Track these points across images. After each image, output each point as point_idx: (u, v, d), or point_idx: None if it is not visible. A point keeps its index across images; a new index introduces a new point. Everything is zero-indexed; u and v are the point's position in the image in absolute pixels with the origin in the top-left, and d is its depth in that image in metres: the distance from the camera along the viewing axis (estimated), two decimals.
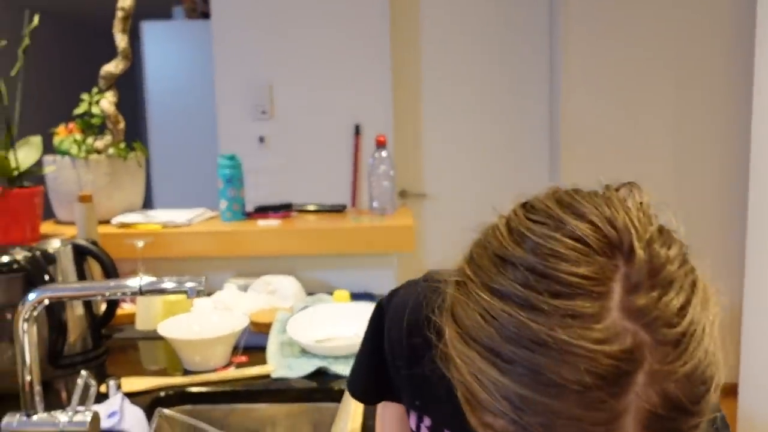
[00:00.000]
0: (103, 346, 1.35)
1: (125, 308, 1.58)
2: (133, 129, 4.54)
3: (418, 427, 0.72)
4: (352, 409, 1.07)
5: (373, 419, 0.90)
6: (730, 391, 2.32)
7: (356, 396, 0.85)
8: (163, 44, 3.92)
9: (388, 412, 0.84)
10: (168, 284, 0.89)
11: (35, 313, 0.90)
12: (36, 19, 1.60)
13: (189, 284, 0.89)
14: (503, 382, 0.42)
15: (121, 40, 1.79)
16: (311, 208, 1.91)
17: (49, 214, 1.81)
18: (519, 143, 3.39)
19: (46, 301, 0.89)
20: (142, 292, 0.89)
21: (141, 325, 1.49)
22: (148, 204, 3.87)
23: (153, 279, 0.90)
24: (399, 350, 0.71)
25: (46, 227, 1.76)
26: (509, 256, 0.45)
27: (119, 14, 1.78)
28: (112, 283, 0.94)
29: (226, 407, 1.21)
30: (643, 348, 0.41)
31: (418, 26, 3.30)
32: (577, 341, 0.40)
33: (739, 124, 3.01)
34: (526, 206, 0.50)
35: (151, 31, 3.90)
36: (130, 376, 1.20)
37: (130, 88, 4.31)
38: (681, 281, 0.44)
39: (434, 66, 3.32)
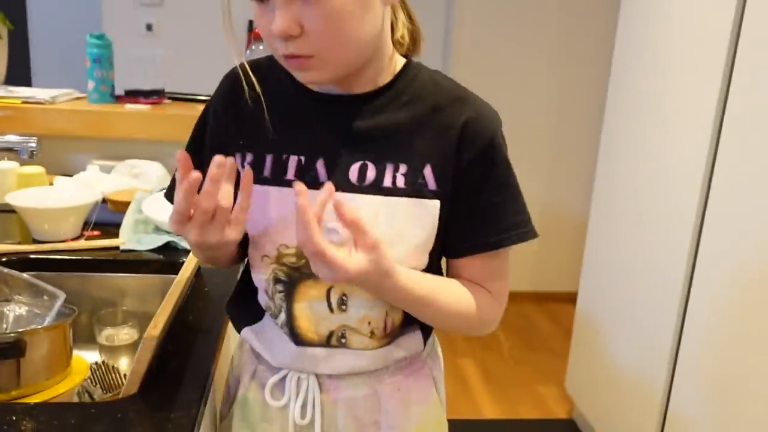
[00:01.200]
0: None
1: None
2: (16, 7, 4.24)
3: (243, 165, 0.80)
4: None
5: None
6: (571, 299, 2.57)
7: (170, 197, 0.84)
8: None
9: None
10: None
11: None
12: None
13: (21, 141, 0.91)
14: None
15: None
16: (183, 97, 1.90)
17: None
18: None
19: None
20: None
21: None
22: (26, 81, 3.68)
23: None
24: (221, 107, 0.83)
25: None
26: None
27: None
28: None
29: (76, 276, 1.25)
30: None
31: None
32: None
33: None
34: None
35: None
36: None
37: None
38: None
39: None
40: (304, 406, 0.81)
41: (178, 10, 3.05)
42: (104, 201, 1.50)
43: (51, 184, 1.52)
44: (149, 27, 3.04)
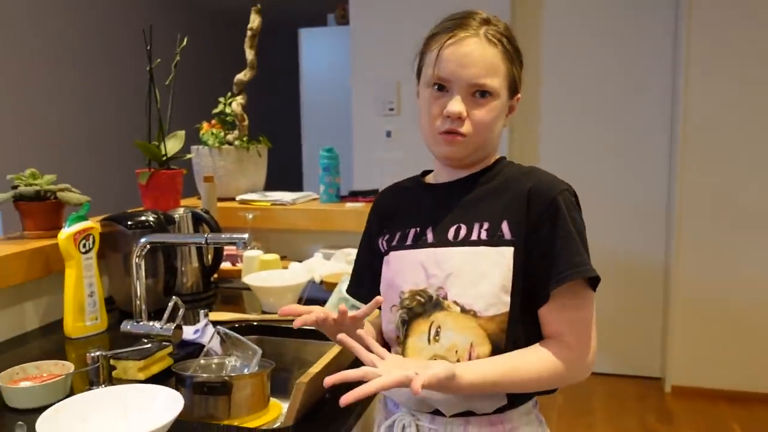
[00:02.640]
0: (212, 289, 1.80)
1: (237, 266, 2.03)
2: (291, 121, 5.16)
3: (382, 245, 1.11)
4: None
5: None
6: None
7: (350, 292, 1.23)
8: (318, 48, 4.45)
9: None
10: (224, 238, 1.28)
11: (143, 254, 1.33)
12: (185, 40, 2.09)
13: (238, 237, 1.27)
14: None
15: (249, 54, 2.24)
16: None
17: (195, 191, 2.32)
18: (637, 144, 3.46)
19: (148, 246, 1.32)
20: (207, 243, 1.29)
21: (244, 278, 1.92)
22: (298, 185, 4.42)
23: (216, 234, 1.30)
24: (376, 215, 1.16)
25: (189, 201, 2.27)
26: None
27: (249, 33, 2.23)
28: (189, 237, 1.35)
29: (289, 341, 1.59)
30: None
31: (539, 27, 3.47)
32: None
33: None
34: None
35: (308, 36, 4.44)
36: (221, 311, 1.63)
37: (292, 85, 4.92)
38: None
39: (554, 69, 3.49)
40: None
41: (412, 119, 3.50)
42: (322, 282, 1.87)
43: (286, 267, 1.93)
44: (389, 134, 3.53)
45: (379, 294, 1.07)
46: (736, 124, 3.21)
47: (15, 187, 1.58)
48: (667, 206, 3.46)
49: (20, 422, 1.00)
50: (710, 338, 3.37)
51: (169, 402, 1.02)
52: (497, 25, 1.02)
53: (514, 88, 1.04)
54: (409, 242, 1.05)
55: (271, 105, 6.43)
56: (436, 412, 1.00)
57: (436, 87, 1.00)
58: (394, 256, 1.07)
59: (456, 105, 0.97)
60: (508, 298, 0.96)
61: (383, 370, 0.84)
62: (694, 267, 3.34)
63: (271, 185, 2.47)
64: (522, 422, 1.01)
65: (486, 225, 0.99)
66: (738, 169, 3.23)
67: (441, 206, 1.05)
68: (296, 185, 4.16)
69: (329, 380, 0.84)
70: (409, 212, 1.09)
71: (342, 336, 0.92)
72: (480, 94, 0.98)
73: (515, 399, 0.99)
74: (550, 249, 0.96)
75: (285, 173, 4.13)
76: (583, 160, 3.51)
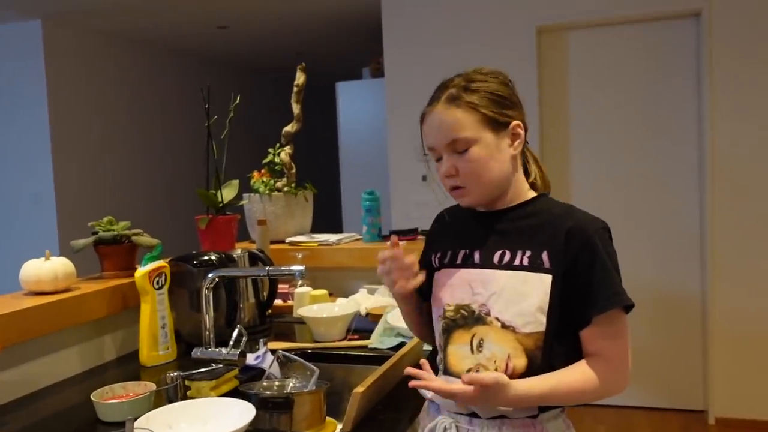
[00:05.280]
0: (267, 323, 1.95)
1: (288, 302, 2.18)
2: (330, 168, 5.39)
3: (434, 261, 1.24)
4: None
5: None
6: None
7: None
8: (354, 100, 4.69)
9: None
10: (283, 270, 1.44)
11: (212, 286, 1.50)
12: (238, 98, 2.31)
13: (296, 269, 1.43)
14: None
15: (295, 108, 2.44)
16: None
17: (246, 235, 2.51)
18: (668, 184, 3.56)
19: (216, 279, 1.49)
20: (269, 275, 1.45)
21: (296, 312, 2.08)
22: (339, 227, 4.60)
23: (276, 267, 1.46)
24: (433, 231, 1.34)
25: (242, 244, 2.45)
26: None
27: (295, 89, 2.44)
28: (251, 271, 1.51)
29: (339, 366, 1.73)
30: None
31: (566, 74, 3.64)
32: None
33: None
34: None
35: (345, 89, 4.69)
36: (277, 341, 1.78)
37: (331, 134, 5.16)
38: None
39: (582, 115, 3.64)
40: None
41: None
42: (367, 314, 2.01)
43: (333, 301, 2.08)
44: (424, 177, 3.70)
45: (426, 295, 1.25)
46: (762, 155, 3.30)
47: (95, 233, 1.78)
48: (701, 239, 3.53)
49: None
50: (752, 368, 3.38)
51: (243, 411, 1.16)
52: (459, 83, 1.16)
53: (496, 123, 1.14)
54: (459, 261, 1.20)
55: (312, 153, 6.71)
56: (473, 415, 1.13)
57: (432, 156, 1.19)
58: (444, 273, 1.21)
59: (442, 168, 1.15)
60: (544, 319, 1.09)
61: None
62: (729, 297, 3.39)
63: (315, 228, 2.64)
64: (551, 425, 1.13)
65: (528, 253, 1.12)
66: (766, 198, 3.31)
67: (488, 232, 1.19)
68: (337, 228, 4.35)
69: (410, 370, 1.10)
70: (461, 234, 1.23)
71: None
72: (458, 148, 1.13)
73: (546, 407, 1.12)
74: (590, 281, 1.08)
75: (325, 217, 4.33)
76: (618, 198, 3.63)
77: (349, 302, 2.05)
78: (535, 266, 1.11)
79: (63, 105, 4.35)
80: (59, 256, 1.66)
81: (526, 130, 1.19)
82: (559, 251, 1.10)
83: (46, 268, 1.59)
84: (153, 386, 1.35)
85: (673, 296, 3.59)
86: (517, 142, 1.17)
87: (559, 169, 3.69)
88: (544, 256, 1.11)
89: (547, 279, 1.10)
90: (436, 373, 1.18)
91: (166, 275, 1.68)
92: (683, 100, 3.50)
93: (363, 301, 2.08)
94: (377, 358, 1.67)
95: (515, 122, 1.17)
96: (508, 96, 1.17)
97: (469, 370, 1.12)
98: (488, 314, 1.12)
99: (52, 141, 4.29)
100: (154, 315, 1.64)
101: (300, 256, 2.21)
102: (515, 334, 1.10)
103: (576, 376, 1.08)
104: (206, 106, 2.09)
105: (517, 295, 1.10)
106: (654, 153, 3.57)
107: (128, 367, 1.67)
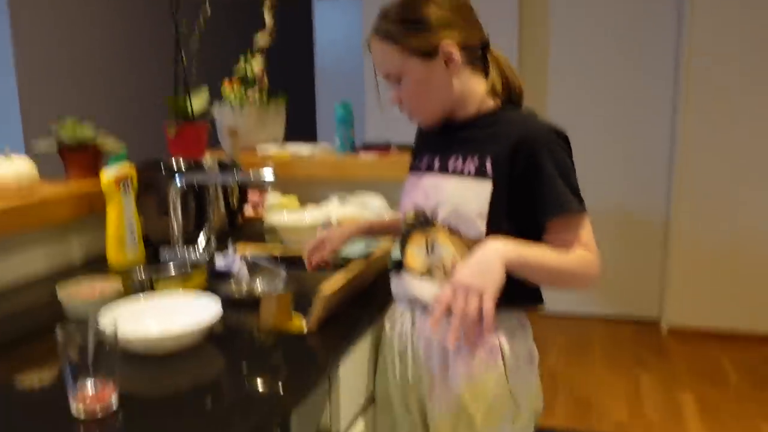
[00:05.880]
0: (238, 229, 1.96)
1: (259, 210, 2.19)
2: (305, 79, 5.32)
3: (415, 161, 1.30)
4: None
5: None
6: None
7: None
8: (331, 18, 4.61)
9: None
10: (251, 174, 1.44)
11: (179, 190, 1.49)
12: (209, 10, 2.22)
13: (265, 172, 1.42)
14: None
15: (268, 17, 2.37)
16: (406, 145, 2.37)
17: (217, 143, 2.47)
18: (639, 96, 3.58)
19: (185, 184, 1.48)
20: (237, 179, 1.45)
21: (266, 218, 2.08)
22: (313, 139, 4.59)
23: (245, 173, 1.45)
24: (415, 141, 1.38)
25: (215, 153, 2.42)
26: None
27: None
28: (220, 176, 1.51)
29: (306, 273, 1.75)
30: None
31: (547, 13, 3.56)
32: None
33: None
34: None
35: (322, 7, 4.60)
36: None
37: (306, 48, 5.05)
38: None
39: (563, 34, 3.59)
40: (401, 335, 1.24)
41: None
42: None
43: (303, 208, 2.09)
44: None
45: None
46: (735, 75, 3.31)
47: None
48: (669, 160, 3.58)
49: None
50: (707, 280, 3.53)
51: (210, 305, 1.18)
52: (384, 11, 1.17)
53: (419, 51, 1.13)
54: (423, 168, 1.25)
55: (287, 65, 6.59)
56: (426, 307, 1.21)
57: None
58: (409, 179, 1.28)
59: (392, 96, 1.20)
60: (483, 226, 1.12)
61: None
62: (692, 212, 3.50)
63: (288, 138, 2.61)
64: (503, 321, 1.17)
65: (476, 160, 1.15)
66: (737, 118, 3.35)
67: (451, 141, 1.22)
68: (311, 139, 4.33)
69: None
70: (429, 143, 1.28)
71: None
72: (393, 79, 1.17)
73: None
74: (534, 189, 1.11)
75: (300, 128, 4.30)
76: (587, 111, 3.65)
77: (319, 211, 2.06)
78: (480, 173, 1.14)
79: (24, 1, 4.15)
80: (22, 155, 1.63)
81: (470, 46, 1.16)
82: (504, 159, 1.12)
83: (11, 171, 1.56)
84: (119, 282, 1.35)
85: (638, 212, 3.69)
86: (452, 65, 1.15)
87: (536, 90, 3.68)
88: (488, 163, 1.13)
89: (487, 186, 1.12)
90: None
91: (132, 181, 1.66)
92: (663, 28, 3.46)
93: (333, 209, 2.08)
94: (343, 265, 1.69)
95: (444, 43, 1.13)
96: (425, 19, 1.13)
97: (425, 268, 1.20)
98: (437, 218, 1.17)
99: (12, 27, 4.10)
100: (121, 219, 1.64)
101: (272, 166, 2.19)
102: (461, 239, 1.14)
103: (571, 256, 1.11)
104: (173, 12, 2.01)
105: (461, 200, 1.15)
106: (631, 78, 3.57)
107: (96, 268, 1.67)
